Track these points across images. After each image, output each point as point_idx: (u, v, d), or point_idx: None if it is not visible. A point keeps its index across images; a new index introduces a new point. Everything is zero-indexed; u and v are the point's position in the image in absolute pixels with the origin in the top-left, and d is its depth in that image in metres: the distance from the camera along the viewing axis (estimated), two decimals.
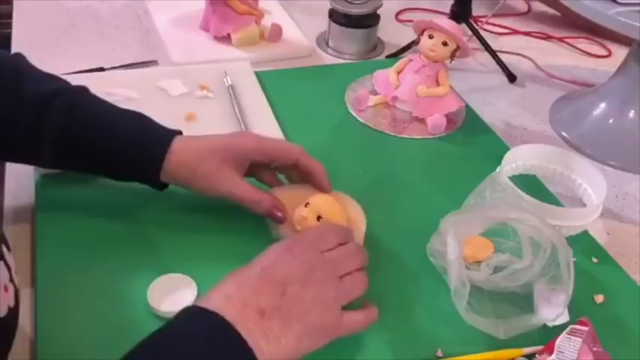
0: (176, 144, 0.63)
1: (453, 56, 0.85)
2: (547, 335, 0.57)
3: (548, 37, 1.16)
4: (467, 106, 0.91)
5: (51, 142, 0.62)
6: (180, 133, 0.66)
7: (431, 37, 0.84)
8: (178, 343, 0.47)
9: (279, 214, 0.64)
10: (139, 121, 0.65)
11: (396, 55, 1.03)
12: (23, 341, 0.56)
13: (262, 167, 0.68)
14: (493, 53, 1.04)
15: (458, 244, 0.59)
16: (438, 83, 0.86)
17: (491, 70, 1.04)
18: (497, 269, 0.63)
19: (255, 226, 0.67)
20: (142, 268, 0.61)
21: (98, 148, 0.63)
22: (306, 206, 0.63)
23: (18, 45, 0.97)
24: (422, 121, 0.87)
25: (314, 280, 0.52)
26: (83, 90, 0.66)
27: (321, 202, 0.63)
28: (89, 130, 0.63)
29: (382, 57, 1.04)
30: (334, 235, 0.58)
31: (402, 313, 0.61)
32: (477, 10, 1.06)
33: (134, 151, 0.63)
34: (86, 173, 0.67)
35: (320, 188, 0.67)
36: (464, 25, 1.00)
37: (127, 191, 0.70)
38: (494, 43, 1.08)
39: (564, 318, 0.59)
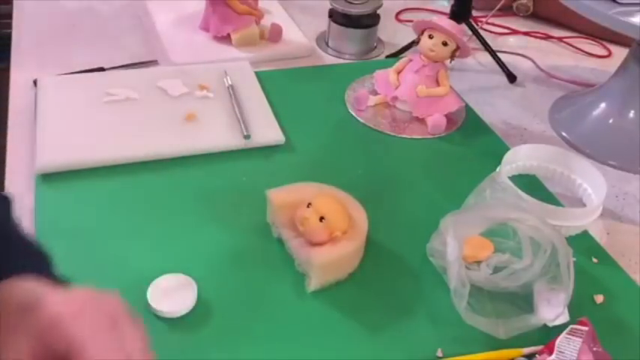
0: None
1: (453, 56, 0.85)
2: (547, 335, 0.57)
3: (548, 37, 1.16)
4: (467, 106, 0.91)
5: None
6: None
7: (431, 37, 0.84)
8: None
9: None
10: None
11: (396, 55, 1.03)
12: None
13: None
14: (493, 53, 1.04)
15: (458, 244, 0.59)
16: (438, 83, 0.86)
17: (491, 70, 1.04)
18: (497, 269, 0.63)
19: (256, 227, 0.67)
20: (142, 268, 0.61)
21: None
22: (308, 207, 0.63)
23: (18, 45, 0.97)
24: (422, 121, 0.86)
25: None
26: None
27: (323, 202, 0.63)
28: None
29: (382, 57, 1.04)
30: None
31: (402, 313, 0.61)
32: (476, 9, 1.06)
33: None
34: None
35: None
36: (464, 25, 1.00)
37: (127, 191, 0.71)
38: (494, 43, 1.08)
39: (564, 318, 0.59)
